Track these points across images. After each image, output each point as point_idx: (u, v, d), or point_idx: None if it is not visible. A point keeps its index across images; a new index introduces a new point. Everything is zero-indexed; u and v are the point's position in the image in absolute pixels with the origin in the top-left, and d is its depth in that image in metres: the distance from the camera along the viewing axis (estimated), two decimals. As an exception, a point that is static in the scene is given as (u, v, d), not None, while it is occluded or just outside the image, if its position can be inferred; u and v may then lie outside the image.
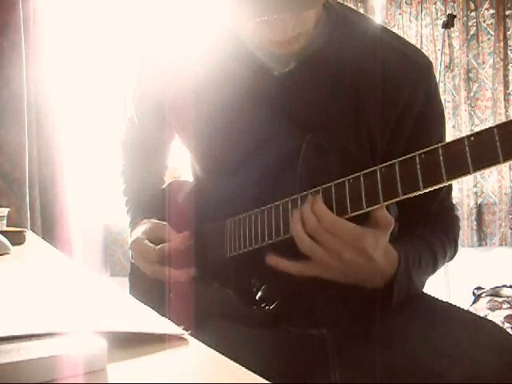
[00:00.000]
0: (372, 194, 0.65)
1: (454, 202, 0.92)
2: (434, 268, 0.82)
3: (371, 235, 0.66)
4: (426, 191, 0.60)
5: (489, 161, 0.55)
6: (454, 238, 0.86)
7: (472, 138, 0.56)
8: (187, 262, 0.83)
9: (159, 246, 0.82)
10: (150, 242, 0.84)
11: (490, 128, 0.55)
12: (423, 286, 0.84)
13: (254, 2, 0.65)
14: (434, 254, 0.80)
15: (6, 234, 0.98)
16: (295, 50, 0.77)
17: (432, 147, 0.60)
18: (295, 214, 0.69)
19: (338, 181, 0.68)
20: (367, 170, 0.66)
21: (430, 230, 0.83)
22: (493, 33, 3.40)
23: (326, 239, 0.66)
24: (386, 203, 0.64)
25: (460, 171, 0.57)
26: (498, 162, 0.54)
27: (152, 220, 0.88)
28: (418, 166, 0.61)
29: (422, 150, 0.61)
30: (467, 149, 0.57)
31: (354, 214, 0.66)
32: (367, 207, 0.65)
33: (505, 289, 2.44)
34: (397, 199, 0.63)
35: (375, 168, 0.65)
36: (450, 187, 0.88)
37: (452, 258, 0.87)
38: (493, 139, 0.54)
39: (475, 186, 3.38)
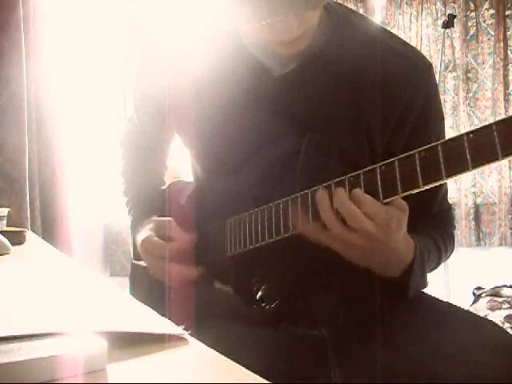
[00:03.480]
0: (371, 192, 0.65)
1: (450, 201, 0.94)
2: (437, 263, 0.85)
3: (396, 217, 0.66)
4: (425, 188, 0.61)
5: (488, 157, 0.55)
6: (452, 235, 0.89)
7: (471, 135, 0.56)
8: (195, 258, 0.83)
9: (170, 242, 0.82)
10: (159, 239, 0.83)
11: (489, 124, 0.55)
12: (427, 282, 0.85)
13: (257, 5, 0.64)
14: (439, 249, 0.83)
15: (6, 234, 0.98)
16: (298, 50, 0.77)
17: (431, 144, 0.60)
18: (323, 203, 0.67)
19: (338, 179, 0.68)
20: (367, 168, 0.65)
21: (433, 229, 0.86)
22: (493, 33, 3.40)
23: (362, 223, 0.65)
24: (386, 201, 0.64)
25: (459, 168, 0.57)
26: (497, 159, 0.54)
27: (155, 218, 0.88)
28: (418, 163, 0.61)
29: (421, 148, 0.61)
30: (466, 145, 0.56)
31: None
32: None
33: (505, 289, 2.44)
34: (396, 197, 0.63)
35: (374, 166, 0.65)
36: (446, 188, 0.90)
37: (450, 254, 0.90)
38: (491, 135, 0.54)
39: (474, 185, 3.37)
